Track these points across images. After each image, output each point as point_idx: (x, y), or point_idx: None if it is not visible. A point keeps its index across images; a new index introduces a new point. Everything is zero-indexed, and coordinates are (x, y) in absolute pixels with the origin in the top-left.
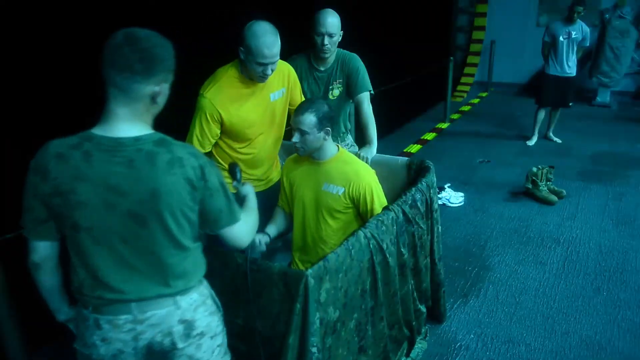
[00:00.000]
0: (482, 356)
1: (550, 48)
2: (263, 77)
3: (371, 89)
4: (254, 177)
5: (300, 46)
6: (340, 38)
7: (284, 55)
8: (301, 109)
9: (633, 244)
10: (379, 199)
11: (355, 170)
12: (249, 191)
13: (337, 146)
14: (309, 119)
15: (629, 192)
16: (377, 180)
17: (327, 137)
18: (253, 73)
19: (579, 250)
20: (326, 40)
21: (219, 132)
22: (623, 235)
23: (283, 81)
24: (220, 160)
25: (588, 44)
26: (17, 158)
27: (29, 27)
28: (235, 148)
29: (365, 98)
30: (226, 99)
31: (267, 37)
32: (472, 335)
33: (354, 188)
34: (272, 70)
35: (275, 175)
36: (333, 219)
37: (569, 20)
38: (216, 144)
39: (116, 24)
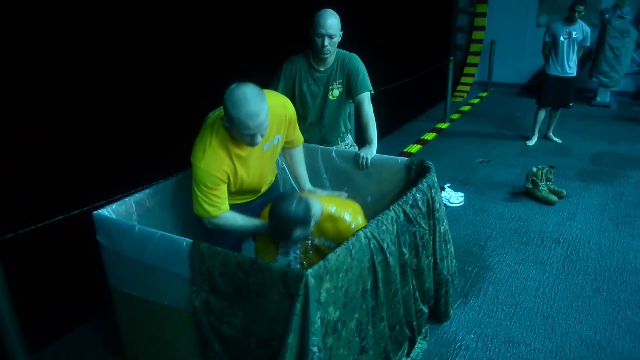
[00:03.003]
0: (482, 356)
1: (551, 48)
2: (252, 144)
3: (371, 88)
4: (251, 198)
5: (298, 47)
6: (340, 39)
7: (284, 56)
8: (284, 228)
9: (633, 244)
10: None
11: (339, 219)
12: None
13: (319, 204)
14: (297, 233)
15: (629, 192)
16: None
17: (315, 219)
18: (240, 140)
19: (579, 250)
20: (326, 41)
21: (226, 186)
22: (623, 235)
23: (279, 127)
24: None
25: (588, 44)
26: (17, 159)
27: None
28: (232, 195)
29: (365, 98)
30: (221, 164)
31: (249, 106)
32: (472, 335)
33: (341, 235)
34: (262, 136)
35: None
36: None
37: (570, 20)
38: None
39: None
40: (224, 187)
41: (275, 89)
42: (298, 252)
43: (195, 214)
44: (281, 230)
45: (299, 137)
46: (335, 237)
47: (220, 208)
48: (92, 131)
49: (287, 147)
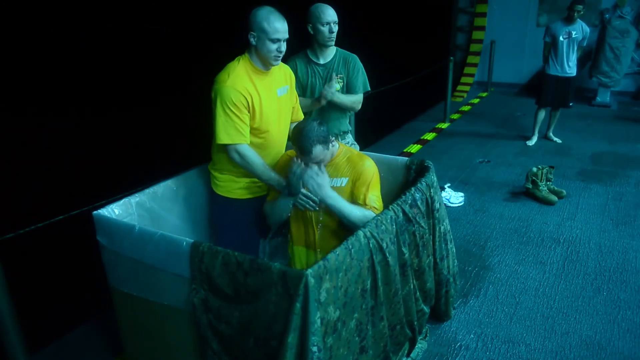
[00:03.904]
0: (482, 356)
1: (551, 48)
2: (278, 56)
3: (369, 88)
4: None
5: (295, 48)
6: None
7: (283, 57)
8: (305, 144)
9: (633, 244)
10: (374, 191)
11: (360, 158)
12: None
13: (337, 143)
14: (318, 149)
15: (629, 192)
16: (377, 171)
17: (334, 145)
18: (267, 54)
19: (579, 250)
20: (333, 28)
21: (249, 118)
22: (623, 235)
23: (286, 79)
24: None
25: (585, 44)
26: (17, 159)
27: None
28: (256, 139)
29: (359, 98)
30: (246, 84)
31: (276, 14)
32: (472, 335)
33: (355, 171)
34: (284, 50)
35: None
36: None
37: (569, 20)
38: None
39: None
40: (247, 116)
41: None
42: (303, 191)
43: (209, 195)
44: (302, 147)
45: (299, 109)
46: (348, 172)
47: (244, 135)
48: (93, 131)
49: (292, 118)
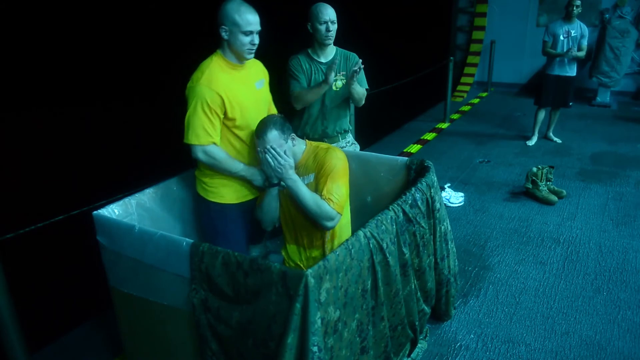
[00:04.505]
0: (482, 356)
1: (551, 48)
2: (252, 49)
3: (367, 86)
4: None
5: (296, 43)
6: (336, 27)
7: (283, 55)
8: (260, 127)
9: (633, 244)
10: (333, 183)
11: (326, 151)
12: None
13: (305, 141)
14: (273, 134)
15: (629, 192)
16: (346, 166)
17: (294, 141)
18: (241, 47)
19: (579, 250)
20: (330, 26)
21: (222, 118)
22: (623, 235)
23: (262, 72)
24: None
25: (586, 43)
26: (17, 159)
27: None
28: (237, 135)
29: (365, 93)
30: (221, 82)
31: (246, 6)
32: (472, 335)
33: (319, 164)
34: (257, 42)
35: None
36: None
37: (568, 18)
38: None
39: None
40: (218, 118)
41: (299, 84)
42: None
43: (195, 196)
44: (258, 130)
45: (274, 107)
46: (314, 166)
47: (212, 136)
48: (93, 131)
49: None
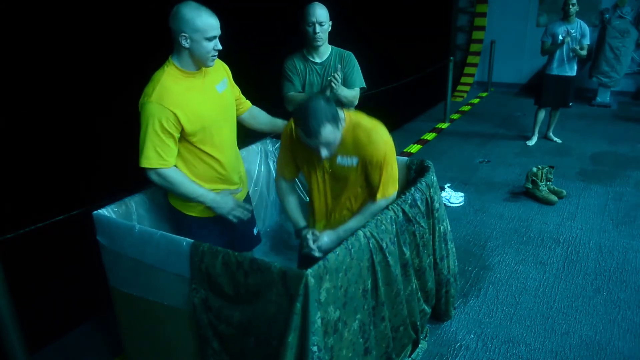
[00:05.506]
0: (482, 356)
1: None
2: (215, 55)
3: (364, 85)
4: (235, 185)
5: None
6: (330, 27)
7: (282, 55)
8: (311, 123)
9: (633, 244)
10: (390, 175)
11: (368, 135)
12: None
13: (343, 114)
14: (327, 130)
15: (629, 192)
16: (392, 146)
17: (344, 124)
18: (205, 55)
19: (579, 250)
20: (317, 28)
21: (177, 137)
22: (623, 235)
23: (222, 72)
24: (192, 175)
25: (587, 43)
26: (17, 159)
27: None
28: (204, 151)
29: (357, 93)
30: (174, 97)
31: (205, 9)
32: (472, 335)
33: (366, 152)
34: (220, 48)
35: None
36: (357, 186)
37: (566, 18)
38: (183, 156)
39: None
40: (175, 139)
41: (293, 86)
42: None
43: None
44: (309, 128)
45: (244, 100)
46: (357, 152)
47: (167, 160)
48: (93, 131)
49: (241, 110)
